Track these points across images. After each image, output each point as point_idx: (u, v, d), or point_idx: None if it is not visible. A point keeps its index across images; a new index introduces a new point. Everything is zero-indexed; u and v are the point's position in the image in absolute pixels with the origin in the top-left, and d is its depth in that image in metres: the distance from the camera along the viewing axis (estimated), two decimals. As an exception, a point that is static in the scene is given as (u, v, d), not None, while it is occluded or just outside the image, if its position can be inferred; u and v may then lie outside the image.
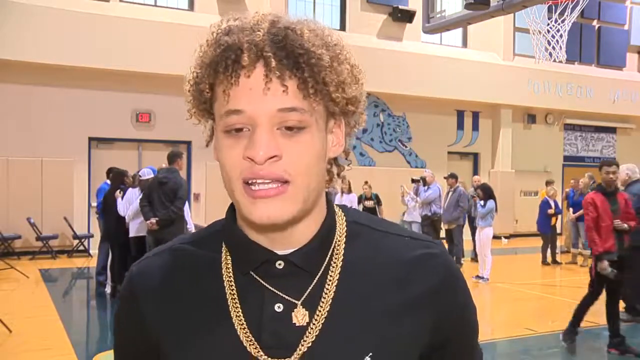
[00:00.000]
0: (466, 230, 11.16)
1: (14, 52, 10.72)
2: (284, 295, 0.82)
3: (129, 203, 7.50)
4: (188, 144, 12.72)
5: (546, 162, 16.95)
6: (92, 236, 11.60)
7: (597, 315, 7.19)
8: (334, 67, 0.79)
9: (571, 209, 11.45)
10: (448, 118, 15.72)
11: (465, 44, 15.86)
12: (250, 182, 0.77)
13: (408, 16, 14.45)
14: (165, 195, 6.78)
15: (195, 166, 12.80)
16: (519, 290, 8.24)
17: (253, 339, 0.81)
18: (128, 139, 12.34)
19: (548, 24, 9.46)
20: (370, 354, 0.81)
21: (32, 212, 11.07)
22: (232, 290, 0.84)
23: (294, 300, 0.82)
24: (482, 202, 9.61)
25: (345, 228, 0.88)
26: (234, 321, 0.83)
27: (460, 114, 15.96)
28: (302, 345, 0.81)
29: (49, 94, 11.48)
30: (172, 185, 6.82)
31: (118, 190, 7.87)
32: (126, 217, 7.48)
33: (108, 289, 8.14)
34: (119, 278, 7.89)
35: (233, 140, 0.78)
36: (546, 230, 11.19)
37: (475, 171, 16.10)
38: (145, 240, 7.12)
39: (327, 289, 0.83)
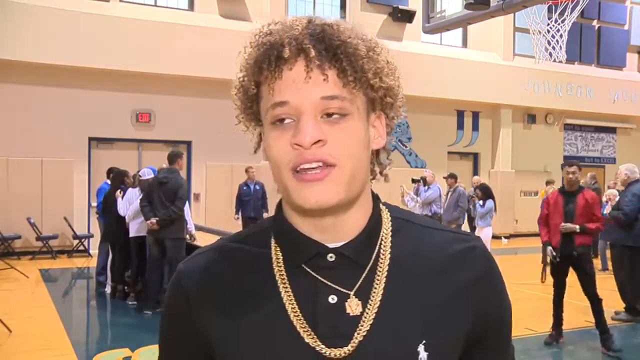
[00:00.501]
0: (465, 229, 11.15)
1: (14, 52, 10.73)
2: (336, 287, 0.85)
3: (129, 203, 7.50)
4: (188, 144, 12.72)
5: (546, 162, 16.95)
6: (92, 236, 11.60)
7: (597, 315, 7.19)
8: (370, 56, 0.84)
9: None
10: (448, 118, 15.72)
11: (465, 44, 15.86)
12: (298, 169, 0.80)
13: (408, 16, 14.46)
14: (166, 195, 6.78)
15: (195, 166, 12.80)
16: (519, 290, 8.24)
17: (310, 329, 0.84)
18: (128, 139, 12.34)
19: (548, 24, 9.45)
20: (424, 341, 0.84)
21: (32, 212, 11.07)
22: (285, 283, 0.87)
23: (346, 291, 0.85)
24: (481, 202, 9.60)
25: (390, 222, 0.92)
26: (289, 313, 0.85)
27: (460, 114, 15.96)
28: (358, 334, 0.83)
29: (49, 94, 11.48)
30: (173, 185, 6.82)
31: (118, 191, 7.88)
32: (126, 217, 7.48)
33: (108, 289, 8.14)
34: (119, 278, 7.90)
35: (279, 131, 0.82)
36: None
37: (475, 171, 16.10)
38: (146, 240, 7.12)
39: (378, 280, 0.86)
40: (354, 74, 0.82)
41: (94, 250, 10.24)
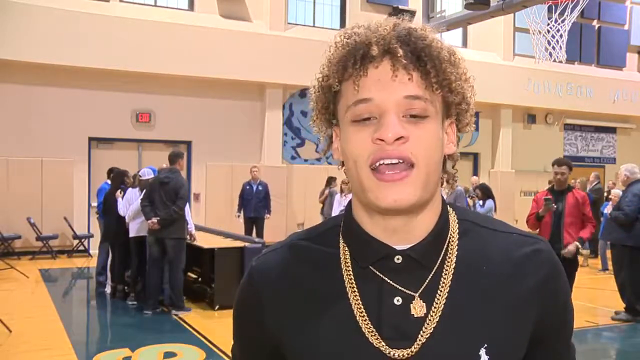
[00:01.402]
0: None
1: (14, 52, 10.72)
2: (402, 289, 0.86)
3: (128, 203, 7.50)
4: (188, 144, 12.71)
5: (546, 162, 16.86)
6: (92, 236, 11.60)
7: (597, 315, 7.20)
8: (452, 61, 0.86)
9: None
10: (448, 118, 15.71)
11: (465, 44, 15.86)
12: (378, 165, 0.81)
13: (408, 16, 14.33)
14: (167, 195, 6.78)
15: (195, 166, 12.79)
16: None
17: (374, 329, 0.85)
18: (128, 139, 12.33)
19: (548, 24, 9.45)
20: (486, 345, 0.85)
21: (32, 212, 11.07)
22: (352, 283, 0.88)
23: (412, 293, 0.86)
24: (480, 202, 9.61)
25: (457, 225, 0.92)
26: (355, 314, 0.86)
27: (460, 114, 15.94)
28: (422, 336, 0.84)
29: (49, 94, 11.48)
30: (174, 185, 6.82)
31: (118, 191, 7.88)
32: (126, 218, 7.48)
33: (108, 289, 8.14)
34: (119, 278, 7.90)
35: (360, 127, 0.83)
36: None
37: (475, 171, 16.09)
38: (145, 240, 7.12)
39: (443, 283, 0.87)
40: (437, 76, 0.83)
41: (94, 250, 10.23)
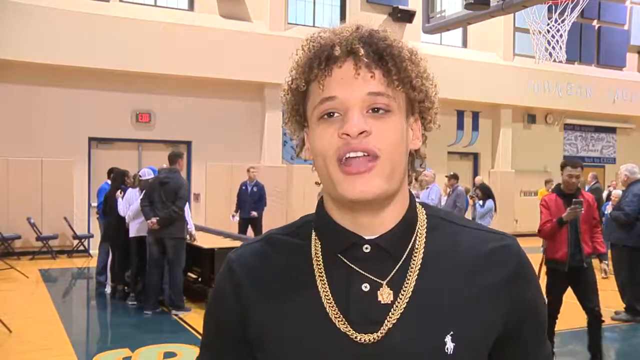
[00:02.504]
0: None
1: (14, 52, 10.72)
2: (370, 276, 0.89)
3: (128, 203, 7.50)
4: (188, 144, 12.71)
5: (546, 162, 16.93)
6: (92, 236, 11.60)
7: (597, 315, 7.18)
8: (413, 60, 0.90)
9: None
10: (448, 118, 15.70)
11: (465, 44, 15.86)
12: (345, 158, 0.85)
13: (408, 16, 14.45)
14: (167, 195, 6.78)
15: (195, 166, 12.79)
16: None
17: (341, 315, 0.88)
18: (128, 139, 12.33)
19: (548, 24, 9.45)
20: (452, 332, 0.87)
21: (32, 212, 11.07)
22: (321, 271, 0.92)
23: (379, 281, 0.89)
24: (480, 202, 9.60)
25: (426, 219, 0.96)
26: (322, 300, 0.90)
27: (460, 114, 15.95)
28: (388, 322, 0.87)
29: (49, 94, 11.48)
30: (173, 185, 6.82)
31: (119, 191, 7.87)
32: (126, 218, 7.47)
33: (108, 289, 8.14)
34: (119, 278, 7.90)
35: (326, 125, 0.87)
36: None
37: (475, 171, 16.09)
38: (146, 241, 7.12)
39: (411, 272, 0.90)
40: (398, 74, 0.88)
41: (94, 250, 10.23)
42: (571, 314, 5.84)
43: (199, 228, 8.62)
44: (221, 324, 0.99)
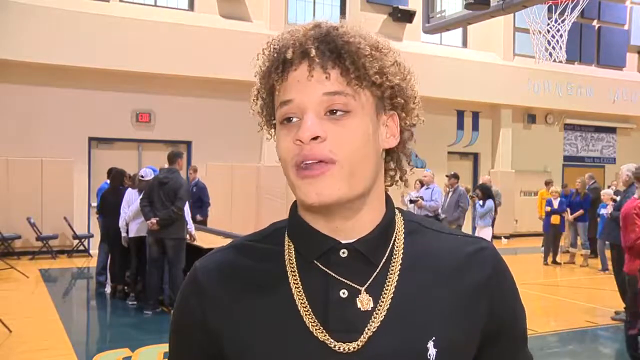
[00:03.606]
0: (466, 230, 11.14)
1: (14, 52, 10.72)
2: (348, 282, 0.86)
3: (128, 204, 7.48)
4: (188, 144, 12.72)
5: (546, 162, 16.94)
6: (92, 236, 11.60)
7: (596, 315, 7.20)
8: (374, 54, 0.85)
9: (569, 210, 11.43)
10: (448, 118, 15.71)
11: (465, 44, 15.86)
12: (301, 165, 0.83)
13: (408, 16, 14.45)
14: (166, 195, 6.78)
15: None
16: (519, 290, 8.25)
17: (319, 323, 0.84)
18: (128, 139, 12.33)
19: (548, 24, 9.45)
20: (433, 338, 0.85)
21: (32, 212, 11.06)
22: (295, 277, 0.88)
23: (358, 287, 0.86)
24: (481, 202, 9.60)
25: (404, 224, 0.93)
26: (298, 308, 0.86)
27: (460, 114, 15.95)
28: (368, 330, 0.84)
29: (49, 94, 11.48)
30: (173, 186, 6.82)
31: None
32: (125, 218, 7.44)
33: (108, 289, 8.14)
34: (119, 278, 7.90)
35: (287, 130, 0.85)
36: (546, 229, 11.20)
37: (475, 171, 16.10)
38: (145, 241, 7.11)
39: (390, 277, 0.87)
40: (356, 71, 0.83)
41: (94, 250, 10.23)
42: (571, 314, 5.84)
43: (198, 228, 8.61)
44: (186, 339, 0.93)
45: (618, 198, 7.81)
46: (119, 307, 7.48)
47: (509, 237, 15.64)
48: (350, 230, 0.87)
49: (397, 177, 0.95)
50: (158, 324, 6.62)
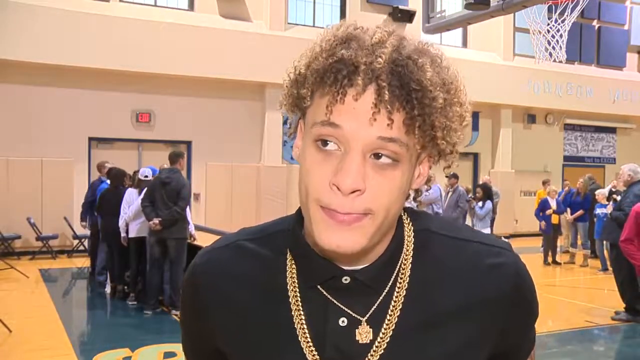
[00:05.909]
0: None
1: (14, 52, 10.72)
2: (348, 311, 0.81)
3: (127, 204, 7.47)
4: (188, 144, 12.71)
5: (546, 162, 16.94)
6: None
7: (596, 315, 7.20)
8: (446, 110, 0.76)
9: (569, 210, 11.43)
10: (448, 118, 15.70)
11: (465, 44, 15.86)
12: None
13: (408, 16, 14.45)
14: (168, 195, 6.77)
15: (196, 166, 12.79)
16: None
17: (316, 352, 0.81)
18: (128, 139, 12.33)
19: (548, 24, 9.45)
20: None
21: (32, 212, 11.06)
22: (297, 301, 0.83)
23: (358, 317, 0.81)
24: (480, 204, 9.57)
25: (413, 239, 0.85)
26: (297, 331, 0.82)
27: (460, 114, 15.94)
28: None
29: (49, 94, 11.48)
30: (175, 186, 6.81)
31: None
32: (126, 218, 7.42)
33: (108, 289, 8.14)
34: (119, 278, 7.89)
35: (323, 157, 0.74)
36: (547, 230, 11.20)
37: (475, 171, 16.10)
38: (145, 241, 7.11)
39: (393, 307, 0.81)
40: (423, 125, 0.74)
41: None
42: (571, 314, 5.84)
43: (199, 228, 8.60)
44: (195, 338, 0.94)
45: (619, 198, 7.80)
46: (119, 307, 7.48)
47: (509, 237, 15.64)
48: (356, 260, 0.81)
49: (412, 197, 0.87)
50: (158, 324, 6.62)
